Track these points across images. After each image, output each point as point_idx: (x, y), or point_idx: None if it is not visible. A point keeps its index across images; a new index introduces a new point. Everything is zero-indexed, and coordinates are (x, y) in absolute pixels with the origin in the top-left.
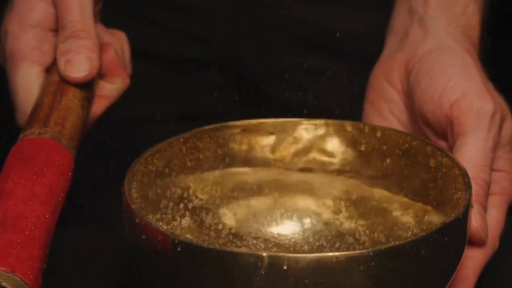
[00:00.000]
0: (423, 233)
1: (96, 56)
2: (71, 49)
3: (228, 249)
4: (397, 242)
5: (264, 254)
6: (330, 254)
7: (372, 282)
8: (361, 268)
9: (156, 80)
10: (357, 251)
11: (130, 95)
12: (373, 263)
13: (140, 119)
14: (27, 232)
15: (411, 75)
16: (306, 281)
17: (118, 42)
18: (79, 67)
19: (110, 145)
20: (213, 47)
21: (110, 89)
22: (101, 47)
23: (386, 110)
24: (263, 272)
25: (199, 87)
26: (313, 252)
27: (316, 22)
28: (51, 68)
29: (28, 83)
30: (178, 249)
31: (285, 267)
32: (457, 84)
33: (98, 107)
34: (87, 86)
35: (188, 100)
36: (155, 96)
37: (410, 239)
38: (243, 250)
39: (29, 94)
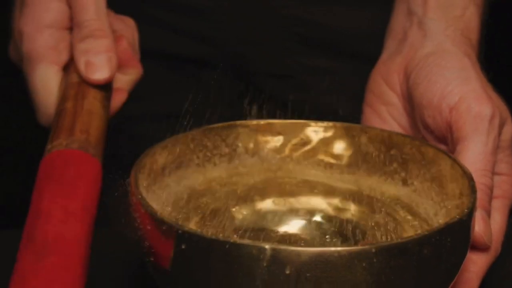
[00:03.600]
0: (426, 232)
1: (115, 55)
2: (90, 49)
3: (231, 240)
4: (399, 240)
5: (267, 246)
6: (332, 248)
7: (374, 278)
8: (363, 264)
9: (157, 79)
10: (360, 247)
11: (131, 94)
12: (375, 260)
13: (140, 118)
14: (67, 253)
15: (410, 79)
16: (308, 274)
17: (129, 30)
18: (100, 68)
19: (110, 145)
20: (215, 46)
21: (125, 81)
22: (115, 39)
23: (385, 113)
24: (265, 265)
25: (201, 86)
26: (315, 247)
27: (318, 21)
28: (68, 66)
29: (47, 84)
30: (182, 240)
31: (286, 260)
32: (456, 88)
33: (117, 101)
34: (108, 86)
35: (190, 99)
36: (156, 95)
37: (412, 238)
38: (246, 241)
39: (49, 94)
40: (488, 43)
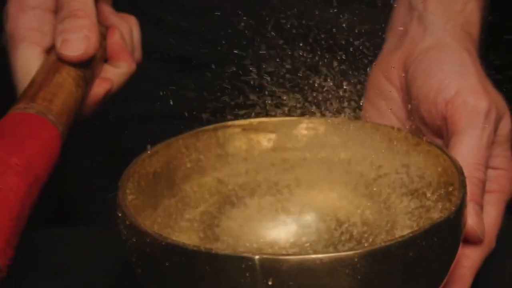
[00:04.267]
0: (410, 234)
1: (94, 36)
2: (68, 28)
3: (213, 251)
4: (382, 244)
5: (249, 256)
6: (314, 256)
7: (358, 284)
8: (346, 271)
9: (156, 80)
10: (342, 253)
11: (130, 94)
12: (358, 265)
13: (140, 118)
14: None
15: (409, 73)
16: (291, 283)
17: (127, 25)
18: (74, 46)
19: (110, 145)
20: (215, 46)
21: (115, 73)
22: (107, 30)
23: (385, 107)
24: (247, 274)
25: (201, 86)
26: (299, 254)
27: (318, 21)
28: (52, 49)
29: (27, 64)
30: (166, 251)
31: (269, 269)
32: (452, 82)
33: (100, 89)
34: (85, 66)
35: (188, 99)
36: (155, 95)
37: (396, 240)
38: (227, 252)
39: (27, 74)
40: (488, 38)
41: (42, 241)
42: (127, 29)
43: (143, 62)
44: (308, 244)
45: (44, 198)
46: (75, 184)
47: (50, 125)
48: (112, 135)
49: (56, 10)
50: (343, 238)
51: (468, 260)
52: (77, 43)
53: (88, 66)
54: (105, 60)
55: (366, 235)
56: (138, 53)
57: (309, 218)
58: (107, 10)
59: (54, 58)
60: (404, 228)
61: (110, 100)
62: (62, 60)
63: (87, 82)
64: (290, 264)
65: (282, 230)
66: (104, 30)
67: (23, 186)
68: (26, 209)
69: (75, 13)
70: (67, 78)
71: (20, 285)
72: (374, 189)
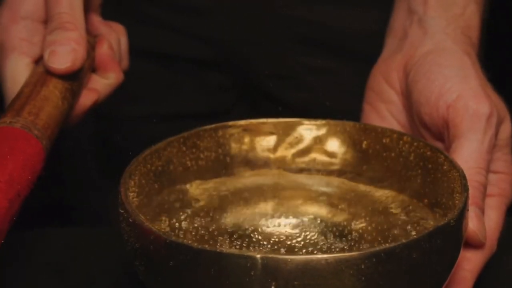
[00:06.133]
0: (415, 236)
1: (82, 48)
2: (56, 41)
3: (218, 250)
4: (387, 245)
5: (254, 255)
6: (319, 256)
7: (362, 285)
8: (351, 271)
9: (158, 80)
10: (347, 254)
11: (131, 95)
12: (362, 266)
13: (140, 118)
14: None
15: (409, 77)
16: (296, 282)
17: (115, 35)
18: (62, 58)
19: (110, 145)
20: (216, 46)
21: (102, 83)
22: (96, 40)
23: (385, 111)
24: (252, 273)
25: (202, 86)
26: (304, 254)
27: (320, 21)
28: (40, 59)
29: (16, 74)
30: (170, 249)
31: (274, 269)
32: (454, 86)
33: (87, 100)
34: (72, 78)
35: (191, 99)
36: (157, 95)
37: (400, 242)
38: (233, 251)
39: (16, 85)
40: (488, 41)
41: (42, 241)
42: (115, 39)
43: (139, 63)
44: (305, 248)
45: (44, 198)
46: (75, 184)
47: (35, 140)
48: (112, 135)
49: (46, 20)
50: (342, 244)
51: (470, 263)
52: (65, 55)
53: (75, 78)
54: (93, 70)
55: (364, 240)
56: (125, 62)
57: (305, 221)
58: (96, 20)
59: (41, 70)
60: (405, 232)
61: (110, 101)
62: (49, 72)
63: (74, 94)
64: (296, 263)
65: (280, 231)
66: (93, 40)
67: (4, 202)
68: (6, 224)
69: (64, 25)
70: (54, 91)
71: (20, 285)
72: (374, 191)
